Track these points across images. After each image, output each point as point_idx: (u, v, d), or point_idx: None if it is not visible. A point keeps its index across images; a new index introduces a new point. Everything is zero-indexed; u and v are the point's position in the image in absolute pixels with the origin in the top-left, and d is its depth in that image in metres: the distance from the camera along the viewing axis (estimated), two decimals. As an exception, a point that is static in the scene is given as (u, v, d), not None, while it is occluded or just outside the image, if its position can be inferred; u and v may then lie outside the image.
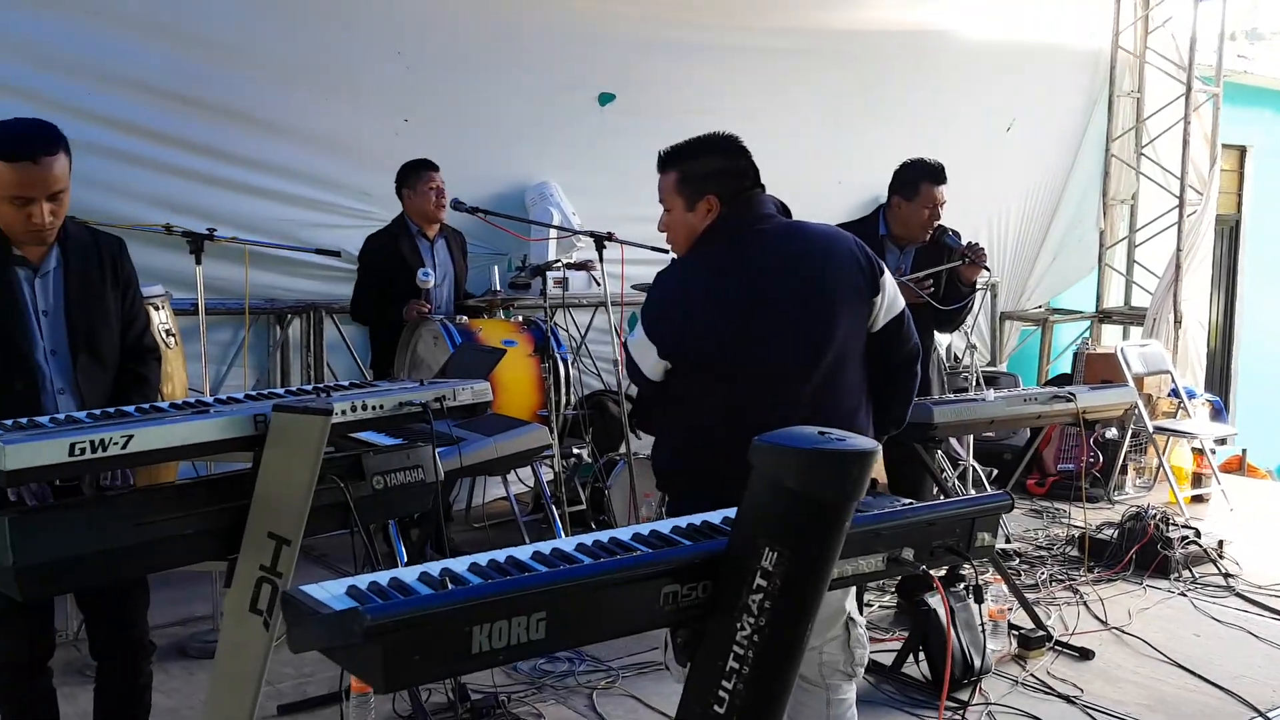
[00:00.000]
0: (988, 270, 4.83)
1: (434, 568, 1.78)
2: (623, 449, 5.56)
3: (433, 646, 1.58)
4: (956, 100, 8.13)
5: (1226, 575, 5.38)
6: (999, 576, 4.73)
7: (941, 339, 5.97)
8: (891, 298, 2.88)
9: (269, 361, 6.05)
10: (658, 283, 2.91)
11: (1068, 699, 4.10)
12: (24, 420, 2.42)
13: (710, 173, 2.81)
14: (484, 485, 6.11)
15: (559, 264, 5.54)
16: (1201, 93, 8.86)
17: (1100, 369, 7.53)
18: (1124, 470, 7.26)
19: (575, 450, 5.79)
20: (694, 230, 2.83)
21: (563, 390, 5.30)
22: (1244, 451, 8.22)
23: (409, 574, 1.77)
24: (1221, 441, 7.62)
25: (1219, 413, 8.19)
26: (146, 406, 2.70)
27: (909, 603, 4.53)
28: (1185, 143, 8.74)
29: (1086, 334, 9.77)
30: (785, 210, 2.90)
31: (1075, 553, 5.68)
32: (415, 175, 5.48)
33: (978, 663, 4.10)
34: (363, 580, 1.74)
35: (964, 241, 4.77)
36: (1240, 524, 6.45)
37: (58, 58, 5.05)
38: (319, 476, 2.50)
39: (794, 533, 1.77)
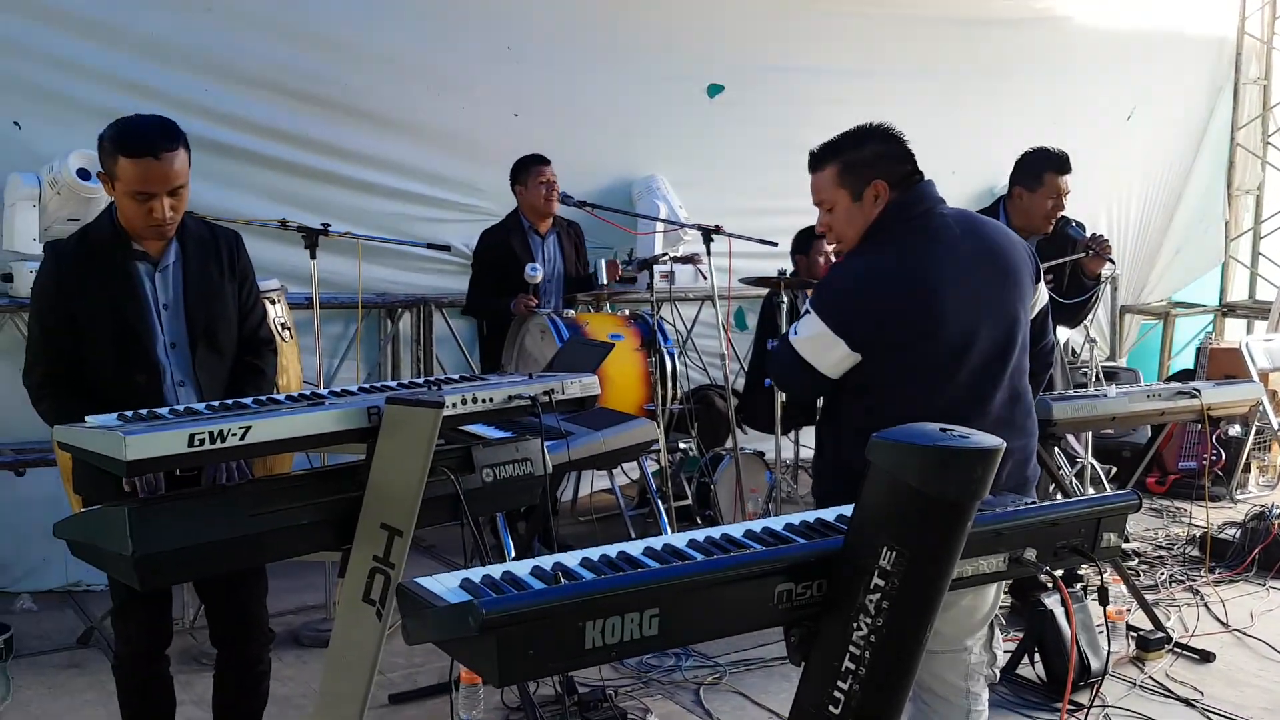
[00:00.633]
0: (1112, 263, 4.71)
1: (546, 562, 1.78)
2: (729, 444, 5.51)
3: (546, 641, 1.58)
4: (1076, 88, 7.94)
5: (1355, 578, 5.21)
6: (1118, 577, 4.62)
7: (1061, 334, 5.81)
8: (1041, 289, 2.87)
9: (379, 355, 6.15)
10: (837, 276, 2.82)
11: (1187, 702, 4.01)
12: (144, 412, 2.46)
13: (874, 158, 2.73)
14: (590, 479, 6.12)
15: (666, 257, 5.53)
16: (1332, 79, 8.55)
17: (1224, 364, 7.33)
18: (1247, 468, 7.11)
19: (681, 445, 5.80)
20: (864, 220, 2.73)
21: (669, 384, 5.29)
22: (1373, 450, 7.87)
23: (521, 568, 1.76)
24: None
25: (1349, 410, 7.86)
26: (263, 398, 2.74)
27: (1024, 603, 4.43)
28: (1314, 131, 8.45)
29: (1209, 328, 9.48)
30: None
31: (1196, 553, 5.59)
32: (526, 170, 5.51)
33: (1096, 665, 4.03)
34: (475, 573, 1.74)
35: (1087, 233, 4.63)
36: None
37: (179, 55, 5.20)
38: (430, 468, 2.51)
39: (914, 532, 1.74)
